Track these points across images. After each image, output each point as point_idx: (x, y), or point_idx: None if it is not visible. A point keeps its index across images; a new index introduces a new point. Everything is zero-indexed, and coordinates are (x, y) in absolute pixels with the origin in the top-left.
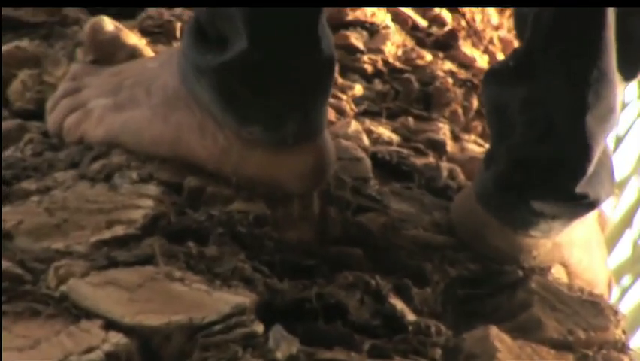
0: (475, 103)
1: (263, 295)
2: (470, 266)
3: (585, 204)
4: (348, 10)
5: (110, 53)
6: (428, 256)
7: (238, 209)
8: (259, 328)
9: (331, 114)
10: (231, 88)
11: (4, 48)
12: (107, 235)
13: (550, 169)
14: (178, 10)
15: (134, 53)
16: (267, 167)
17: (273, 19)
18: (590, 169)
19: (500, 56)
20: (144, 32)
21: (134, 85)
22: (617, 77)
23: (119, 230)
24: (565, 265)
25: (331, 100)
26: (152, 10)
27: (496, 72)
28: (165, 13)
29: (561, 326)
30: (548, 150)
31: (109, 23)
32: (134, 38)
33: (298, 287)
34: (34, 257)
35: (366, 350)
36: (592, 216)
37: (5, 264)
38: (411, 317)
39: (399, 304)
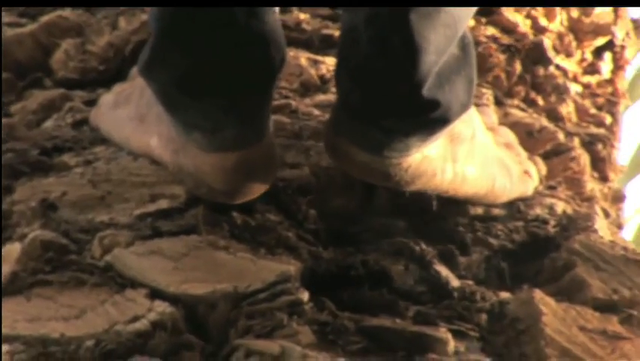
0: (518, 68)
1: (307, 262)
2: (514, 237)
3: (437, 115)
4: None
5: None
6: (473, 227)
7: (282, 177)
8: (304, 295)
9: None
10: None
11: (47, 17)
12: (151, 208)
13: (388, 80)
14: None
15: None
16: (196, 158)
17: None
18: (428, 70)
19: (543, 21)
20: None
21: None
22: None
23: (163, 204)
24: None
25: None
26: None
27: None
28: None
29: (605, 285)
30: (385, 61)
31: None
32: None
33: (342, 254)
34: (79, 228)
35: (411, 316)
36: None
37: (50, 234)
38: (456, 283)
39: (443, 270)
